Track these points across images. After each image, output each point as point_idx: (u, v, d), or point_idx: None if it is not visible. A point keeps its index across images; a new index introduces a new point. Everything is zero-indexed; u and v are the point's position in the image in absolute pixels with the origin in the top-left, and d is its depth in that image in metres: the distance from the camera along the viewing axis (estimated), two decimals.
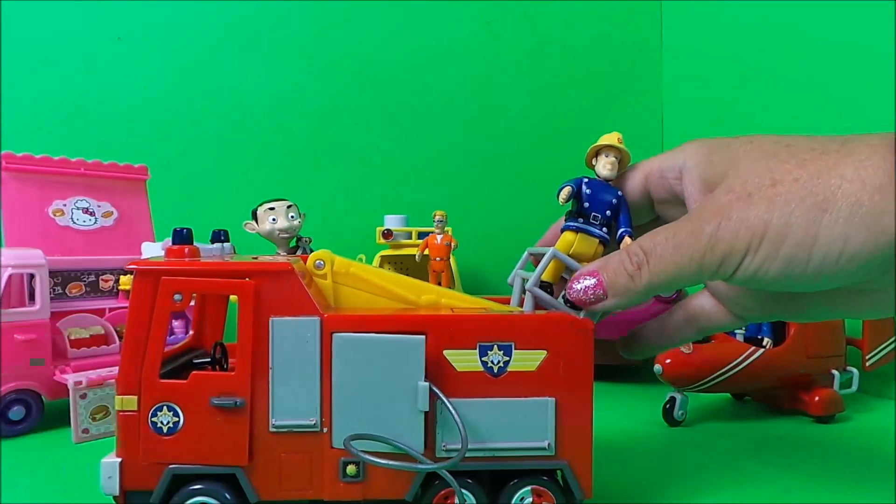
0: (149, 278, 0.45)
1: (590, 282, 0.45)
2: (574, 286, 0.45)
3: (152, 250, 0.85)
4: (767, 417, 0.80)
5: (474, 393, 0.45)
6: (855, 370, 0.82)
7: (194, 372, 0.45)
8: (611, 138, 0.50)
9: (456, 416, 0.43)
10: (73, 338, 0.76)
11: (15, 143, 0.87)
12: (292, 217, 0.86)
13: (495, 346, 0.45)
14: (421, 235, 1.05)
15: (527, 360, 0.45)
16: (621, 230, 0.49)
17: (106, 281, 0.85)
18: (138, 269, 0.46)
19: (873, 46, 0.90)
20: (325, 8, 1.20)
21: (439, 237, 1.01)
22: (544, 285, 0.49)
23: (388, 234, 1.04)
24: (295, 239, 0.88)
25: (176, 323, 0.87)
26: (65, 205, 0.83)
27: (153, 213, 0.92)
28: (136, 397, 0.45)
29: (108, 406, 0.71)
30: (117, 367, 0.73)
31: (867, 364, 0.83)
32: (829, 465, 0.63)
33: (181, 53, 1.11)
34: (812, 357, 0.79)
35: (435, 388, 0.43)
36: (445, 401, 0.43)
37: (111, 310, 0.83)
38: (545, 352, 0.45)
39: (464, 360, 0.45)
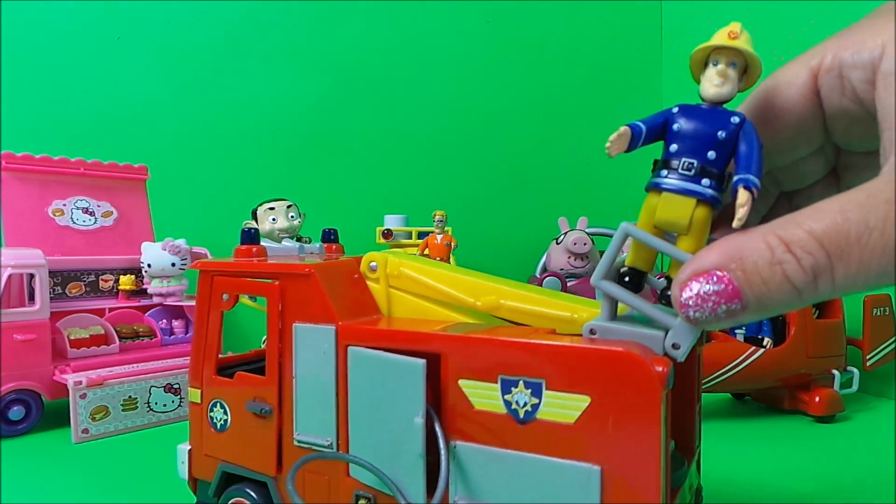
0: (206, 277, 0.46)
1: (714, 287, 0.27)
2: (685, 294, 0.28)
3: (152, 250, 0.85)
4: (767, 417, 0.80)
5: (494, 440, 0.34)
6: (855, 370, 0.82)
7: (238, 372, 0.45)
8: (722, 35, 0.31)
9: (444, 458, 0.35)
10: (72, 338, 0.76)
11: (15, 143, 0.87)
12: (292, 217, 0.86)
13: (521, 383, 0.34)
14: (421, 235, 1.05)
15: (562, 406, 0.33)
16: (738, 177, 0.30)
17: (106, 281, 0.85)
18: (201, 268, 0.47)
19: None
20: (324, 8, 1.19)
21: (439, 237, 1.01)
22: (633, 273, 0.34)
23: (388, 234, 1.04)
24: (295, 238, 0.88)
25: (176, 323, 0.87)
26: (65, 205, 0.83)
27: (153, 213, 0.92)
28: (199, 390, 0.47)
29: (108, 406, 0.71)
30: (117, 367, 0.75)
31: (867, 364, 0.83)
32: (829, 465, 0.63)
33: (181, 54, 1.11)
34: (812, 357, 0.79)
35: (437, 425, 0.35)
36: (441, 438, 0.35)
37: (111, 310, 0.83)
38: (588, 398, 0.32)
39: (483, 395, 0.35)
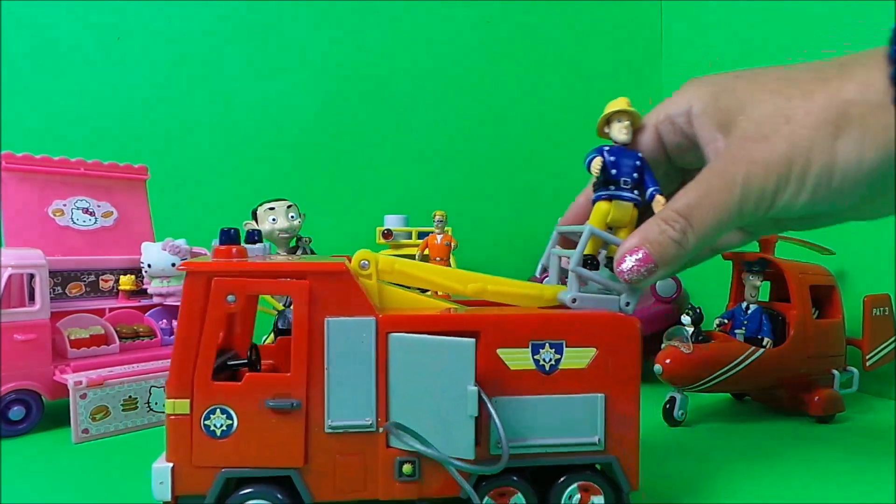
0: (200, 279, 0.44)
1: (637, 256, 0.45)
2: (622, 266, 0.45)
3: (152, 250, 0.85)
4: (767, 417, 0.80)
5: (527, 391, 0.45)
6: (855, 370, 0.82)
7: (248, 374, 0.45)
8: (620, 103, 0.51)
9: (501, 428, 0.43)
10: (73, 338, 0.76)
11: (15, 143, 0.87)
12: (292, 217, 0.86)
13: (547, 345, 0.46)
14: (421, 235, 1.05)
15: (577, 357, 0.46)
16: (651, 189, 0.49)
17: (106, 281, 0.85)
18: (189, 269, 0.44)
19: (875, 46, 0.90)
20: (324, 8, 1.20)
21: (439, 237, 1.01)
22: (586, 258, 0.50)
23: (388, 234, 1.04)
24: (295, 239, 0.88)
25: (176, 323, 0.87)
26: (65, 205, 0.83)
27: (153, 213, 0.92)
28: (188, 400, 0.44)
29: (108, 406, 0.71)
30: (117, 367, 0.75)
31: (867, 364, 0.83)
32: (829, 465, 0.63)
33: (181, 54, 1.11)
34: (812, 357, 0.79)
35: (483, 395, 0.43)
36: (492, 411, 0.43)
37: (111, 310, 0.83)
38: (595, 349, 0.46)
39: (517, 358, 0.45)
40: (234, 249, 0.47)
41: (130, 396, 0.73)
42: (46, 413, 0.74)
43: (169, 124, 1.10)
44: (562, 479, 0.47)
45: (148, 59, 1.09)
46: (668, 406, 0.76)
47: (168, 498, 0.44)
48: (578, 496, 0.47)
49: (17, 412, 0.72)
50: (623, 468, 0.47)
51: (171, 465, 0.44)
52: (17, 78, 1.02)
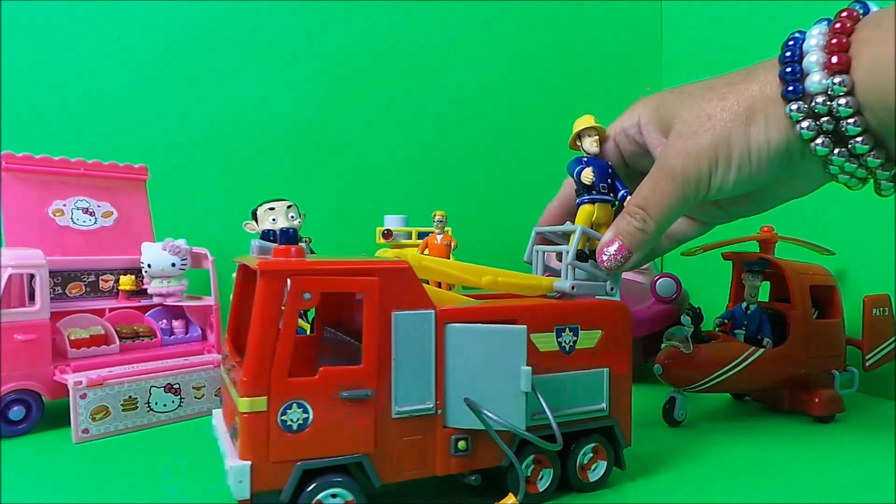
0: (276, 278, 0.45)
1: (614, 248, 0.54)
2: (602, 257, 0.55)
3: (152, 250, 0.85)
4: (767, 417, 0.80)
5: (553, 369, 0.53)
6: (855, 370, 0.82)
7: (323, 367, 0.46)
8: (588, 120, 0.61)
9: (546, 405, 0.49)
10: (73, 338, 0.76)
11: (15, 143, 0.87)
12: (292, 217, 0.86)
13: (567, 328, 0.54)
14: (421, 235, 1.05)
15: (589, 338, 0.55)
16: (622, 191, 0.58)
17: (106, 281, 0.85)
18: (267, 269, 0.45)
19: None
20: (324, 8, 1.19)
21: (439, 237, 1.01)
22: (582, 253, 0.58)
23: (388, 234, 1.04)
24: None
25: (176, 323, 0.87)
26: (65, 205, 0.83)
27: (153, 213, 0.92)
28: (265, 398, 0.44)
29: (108, 406, 0.71)
30: (117, 368, 0.75)
31: (867, 364, 0.83)
32: (829, 465, 0.63)
33: (181, 54, 1.11)
34: (812, 357, 0.79)
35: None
36: (541, 398, 0.50)
37: (111, 310, 0.83)
38: (601, 331, 0.55)
39: (545, 341, 0.53)
40: (292, 249, 0.48)
41: (130, 396, 0.73)
42: (46, 413, 0.74)
43: (169, 124, 1.10)
44: (574, 445, 0.54)
45: (148, 59, 1.09)
46: (668, 406, 0.76)
47: (247, 496, 0.44)
48: (590, 455, 0.56)
49: (17, 412, 0.72)
50: (621, 429, 0.56)
51: (248, 463, 0.44)
52: (17, 78, 1.02)
